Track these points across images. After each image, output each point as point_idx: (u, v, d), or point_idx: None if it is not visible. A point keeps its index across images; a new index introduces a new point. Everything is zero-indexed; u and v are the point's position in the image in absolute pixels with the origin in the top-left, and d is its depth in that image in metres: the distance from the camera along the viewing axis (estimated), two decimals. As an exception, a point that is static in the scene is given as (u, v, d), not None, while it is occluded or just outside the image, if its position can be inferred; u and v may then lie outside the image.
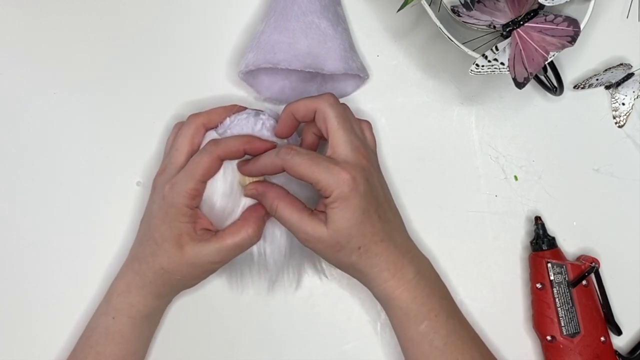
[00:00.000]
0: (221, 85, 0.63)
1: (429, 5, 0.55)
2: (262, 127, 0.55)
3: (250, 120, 0.56)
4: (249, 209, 0.55)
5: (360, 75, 0.61)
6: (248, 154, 0.54)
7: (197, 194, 0.53)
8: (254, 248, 0.56)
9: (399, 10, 0.56)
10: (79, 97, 0.63)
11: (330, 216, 0.51)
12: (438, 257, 0.62)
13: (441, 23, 0.55)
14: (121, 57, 0.63)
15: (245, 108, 0.58)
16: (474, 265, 0.62)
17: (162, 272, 0.54)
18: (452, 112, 0.64)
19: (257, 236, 0.55)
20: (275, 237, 0.57)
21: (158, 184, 0.55)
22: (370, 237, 0.52)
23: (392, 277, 0.53)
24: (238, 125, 0.56)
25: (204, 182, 0.54)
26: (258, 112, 0.57)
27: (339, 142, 0.52)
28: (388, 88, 0.63)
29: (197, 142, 0.56)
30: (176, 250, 0.53)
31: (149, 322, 0.57)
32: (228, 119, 0.57)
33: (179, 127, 0.57)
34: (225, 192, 0.55)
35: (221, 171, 0.55)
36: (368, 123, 0.58)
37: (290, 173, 0.52)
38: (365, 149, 0.53)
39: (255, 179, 0.55)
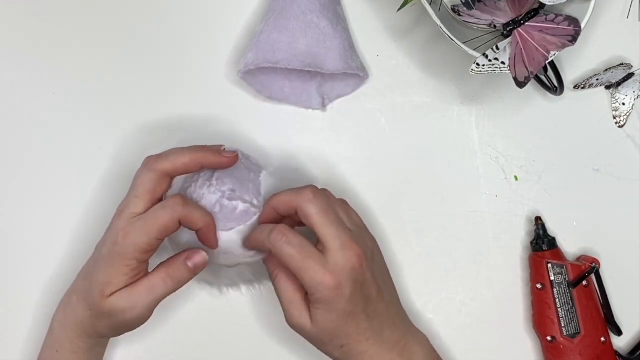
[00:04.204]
0: (221, 85, 0.63)
1: (430, 4, 0.55)
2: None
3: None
4: (181, 255, 0.52)
5: (359, 74, 0.61)
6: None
7: (150, 249, 0.50)
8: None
9: (399, 10, 0.56)
10: (78, 97, 0.63)
11: (314, 315, 0.50)
12: (438, 257, 0.62)
13: (442, 22, 0.55)
14: (120, 57, 0.63)
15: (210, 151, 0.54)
16: (474, 265, 0.62)
17: (89, 315, 0.52)
18: (452, 112, 0.63)
19: (177, 287, 0.52)
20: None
21: (113, 225, 0.52)
22: (355, 337, 0.50)
23: None
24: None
25: (159, 239, 0.50)
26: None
27: (327, 240, 0.50)
28: (388, 88, 0.63)
29: (159, 190, 0.52)
30: (99, 298, 0.50)
31: (95, 352, 0.55)
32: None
33: (146, 164, 0.53)
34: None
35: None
36: (344, 201, 0.55)
37: (279, 259, 0.50)
38: (355, 241, 0.50)
39: None
